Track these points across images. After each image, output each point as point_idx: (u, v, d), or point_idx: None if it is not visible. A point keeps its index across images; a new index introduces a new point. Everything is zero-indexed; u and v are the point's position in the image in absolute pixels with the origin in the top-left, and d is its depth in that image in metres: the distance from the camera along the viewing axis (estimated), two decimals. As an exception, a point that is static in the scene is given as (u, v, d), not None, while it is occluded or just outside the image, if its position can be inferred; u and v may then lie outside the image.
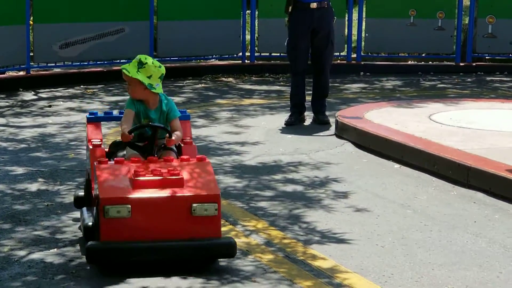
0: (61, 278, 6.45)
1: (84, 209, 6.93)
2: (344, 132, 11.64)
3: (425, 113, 12.44)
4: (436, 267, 6.70)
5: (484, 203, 8.53)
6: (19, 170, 9.73)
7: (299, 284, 6.08)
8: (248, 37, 18.21)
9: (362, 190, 8.95)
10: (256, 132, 11.96)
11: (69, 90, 15.56)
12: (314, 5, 12.22)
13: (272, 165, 10.09)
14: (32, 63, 16.18)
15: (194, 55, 17.98)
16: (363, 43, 18.62)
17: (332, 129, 12.12)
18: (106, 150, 7.10)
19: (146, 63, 6.94)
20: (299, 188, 9.12)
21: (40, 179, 9.30)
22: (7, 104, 14.20)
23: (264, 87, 16.04)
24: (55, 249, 7.04)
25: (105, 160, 6.36)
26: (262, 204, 8.31)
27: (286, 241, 7.30)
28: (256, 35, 18.02)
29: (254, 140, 11.42)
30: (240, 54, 18.12)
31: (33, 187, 9.00)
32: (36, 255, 6.89)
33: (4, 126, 12.28)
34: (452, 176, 9.36)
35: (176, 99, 14.82)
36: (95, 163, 6.30)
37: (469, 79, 17.15)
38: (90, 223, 6.27)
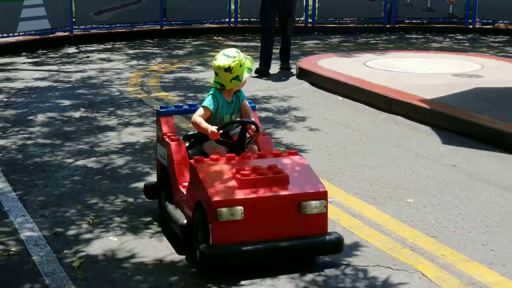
0: (99, 178, 6.56)
1: (168, 203, 5.18)
2: (303, 74, 11.64)
3: (361, 61, 12.48)
4: (367, 168, 6.83)
5: (402, 124, 8.63)
6: (67, 102, 9.75)
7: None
8: (233, 6, 18.09)
9: (315, 115, 9.03)
10: (239, 75, 11.95)
11: (101, 46, 15.51)
12: None
13: (250, 98, 10.11)
14: (74, 26, 16.10)
15: (194, 20, 17.86)
16: (316, 11, 18.57)
17: (294, 72, 12.13)
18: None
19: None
20: (270, 114, 9.17)
21: (82, 109, 9.34)
22: (56, 56, 14.17)
23: (245, 44, 15.99)
24: (94, 158, 7.13)
25: (201, 158, 4.73)
26: (243, 125, 8.38)
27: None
28: (239, 5, 17.92)
29: (238, 81, 11.43)
30: (227, 19, 18.06)
31: (77, 114, 9.05)
32: (80, 162, 7.00)
33: (55, 72, 12.26)
34: (380, 105, 9.45)
35: (180, 52, 14.82)
36: (193, 162, 4.72)
37: (393, 37, 17.15)
38: (185, 221, 4.73)
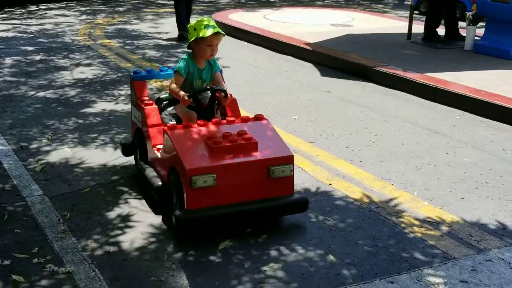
0: (56, 105, 6.44)
1: (143, 164, 4.39)
2: (218, 25, 11.51)
3: (262, 15, 12.45)
4: (265, 95, 6.93)
5: (292, 62, 8.73)
6: (30, 48, 9.44)
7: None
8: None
9: (226, 56, 8.91)
10: (167, 27, 11.73)
11: (57, 4, 14.97)
12: None
13: (177, 45, 10.05)
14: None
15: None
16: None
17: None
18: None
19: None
20: (190, 56, 9.11)
21: (41, 53, 9.08)
22: (20, 12, 13.61)
23: (172, 2, 15.67)
24: (51, 90, 7.01)
25: (174, 125, 3.92)
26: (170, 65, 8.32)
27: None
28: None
29: (166, 30, 11.27)
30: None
31: (37, 57, 8.78)
32: (40, 94, 6.88)
33: (19, 25, 11.80)
34: (276, 48, 9.50)
35: (121, 9, 14.45)
36: (166, 129, 3.91)
37: (288, -3, 17.14)
38: (160, 184, 3.97)
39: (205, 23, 4.12)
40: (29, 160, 4.97)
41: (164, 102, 4.51)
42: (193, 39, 4.12)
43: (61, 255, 3.57)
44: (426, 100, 6.79)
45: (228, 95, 4.28)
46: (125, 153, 4.74)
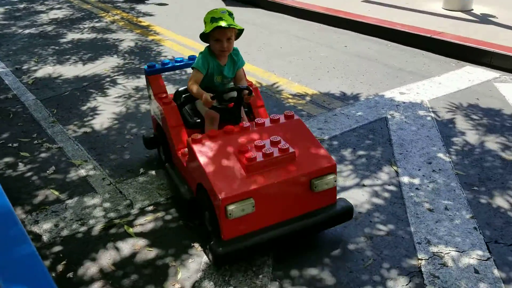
0: (38, 38, 5.94)
1: (170, 168, 2.72)
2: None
3: None
4: (189, 20, 6.58)
5: None
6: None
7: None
8: None
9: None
10: None
11: None
12: None
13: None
14: None
15: None
16: None
17: None
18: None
19: (232, 13, 2.55)
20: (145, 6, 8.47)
21: (24, 2, 8.12)
22: None
23: None
24: (34, 28, 6.41)
25: (198, 138, 2.31)
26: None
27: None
28: None
29: None
30: None
31: (22, 5, 7.87)
32: (27, 31, 6.26)
33: None
34: None
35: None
36: (190, 141, 2.32)
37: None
38: (189, 197, 2.43)
39: (212, 15, 2.47)
40: (23, 76, 4.65)
41: (183, 96, 2.85)
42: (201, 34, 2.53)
43: (53, 137, 3.48)
44: (296, 18, 6.71)
45: (252, 91, 2.60)
46: (148, 146, 3.10)
